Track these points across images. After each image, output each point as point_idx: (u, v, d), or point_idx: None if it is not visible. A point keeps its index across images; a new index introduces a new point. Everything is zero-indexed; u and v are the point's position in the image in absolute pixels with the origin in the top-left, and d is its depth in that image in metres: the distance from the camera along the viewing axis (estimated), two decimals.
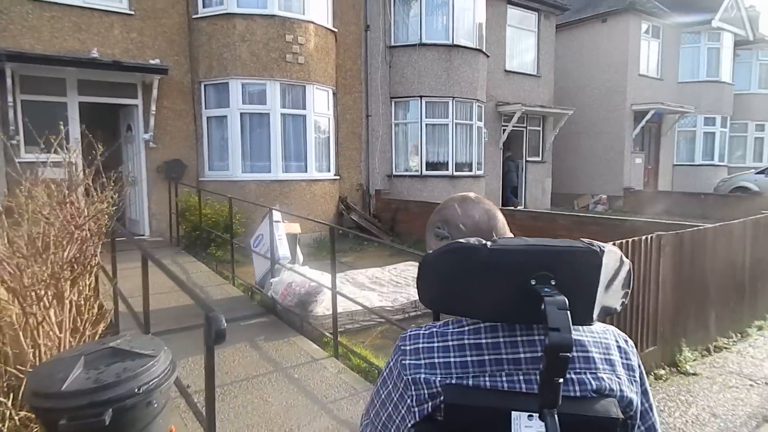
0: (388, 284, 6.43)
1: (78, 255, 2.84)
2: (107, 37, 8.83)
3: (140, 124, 9.35)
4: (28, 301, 2.47)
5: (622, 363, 0.94)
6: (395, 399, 0.94)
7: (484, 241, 0.86)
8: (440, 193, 11.90)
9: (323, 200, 10.58)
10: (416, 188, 12.15)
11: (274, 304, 5.36)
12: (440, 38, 12.16)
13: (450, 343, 0.92)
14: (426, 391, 0.89)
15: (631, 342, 0.99)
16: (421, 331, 0.97)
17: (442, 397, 0.88)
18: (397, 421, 0.93)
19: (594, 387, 0.88)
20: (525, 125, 15.24)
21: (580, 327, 0.92)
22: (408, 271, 7.23)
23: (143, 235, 9.59)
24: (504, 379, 0.88)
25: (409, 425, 0.91)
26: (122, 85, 9.11)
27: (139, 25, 9.12)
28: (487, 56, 13.15)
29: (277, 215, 5.59)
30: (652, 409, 0.98)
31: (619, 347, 0.96)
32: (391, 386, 0.95)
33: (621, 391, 0.90)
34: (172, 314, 5.42)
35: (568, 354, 0.76)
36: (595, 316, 0.89)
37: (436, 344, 0.93)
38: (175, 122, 9.63)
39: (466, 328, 0.93)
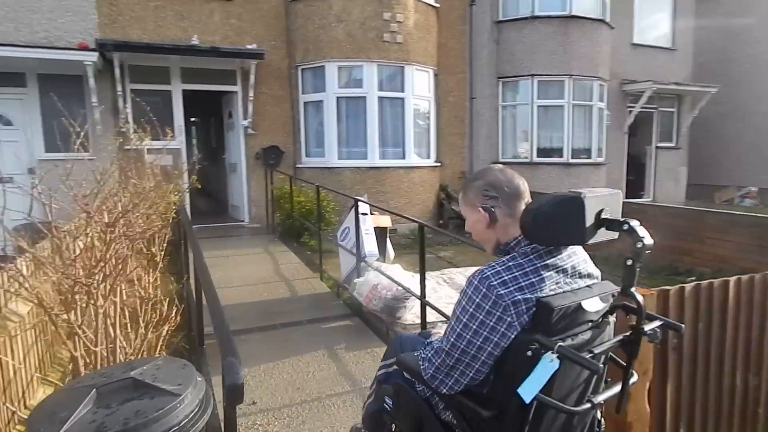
0: None
1: (115, 254, 2.43)
2: (208, 24, 8.83)
3: (239, 111, 9.31)
4: (54, 310, 2.09)
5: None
6: (492, 323, 1.27)
7: (581, 193, 1.29)
8: (553, 182, 10.65)
9: (422, 189, 9.89)
10: (525, 177, 10.89)
11: (360, 305, 4.79)
12: (555, 9, 10.80)
13: (527, 269, 1.30)
14: (524, 306, 1.26)
15: None
16: (498, 268, 1.30)
17: (535, 308, 1.26)
18: (496, 339, 1.27)
19: (598, 274, 1.48)
20: (655, 106, 13.27)
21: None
22: None
23: (243, 221, 9.62)
24: (563, 282, 1.33)
25: (512, 337, 1.26)
26: (222, 72, 9.10)
27: (238, 11, 9.01)
28: (612, 28, 11.50)
29: (364, 207, 4.99)
30: None
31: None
32: (482, 316, 1.27)
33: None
34: (256, 309, 5.08)
35: (650, 250, 1.25)
36: None
37: (517, 273, 1.29)
38: (273, 108, 9.46)
39: (531, 256, 1.34)
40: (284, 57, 9.44)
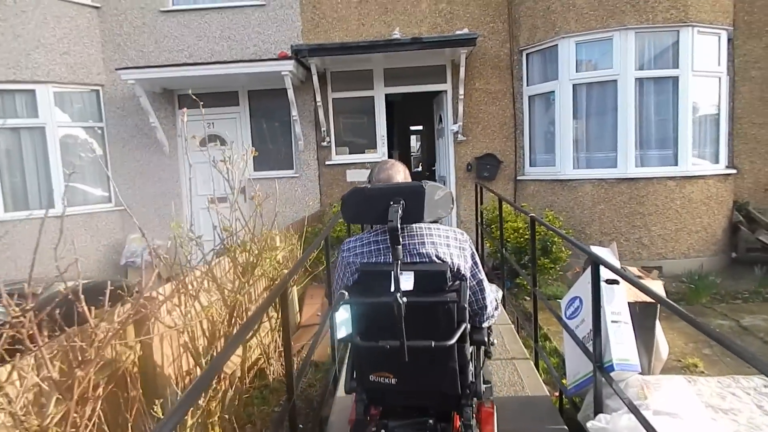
0: None
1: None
2: (413, 14, 7.51)
3: (449, 113, 7.75)
4: None
5: (456, 246, 1.83)
6: (340, 275, 1.90)
7: (367, 185, 1.87)
8: None
9: (704, 208, 6.74)
10: None
11: None
12: None
13: (363, 241, 1.87)
14: (354, 267, 1.84)
15: (466, 236, 1.92)
16: (352, 238, 1.91)
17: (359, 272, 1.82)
18: (342, 285, 1.87)
19: (435, 254, 1.77)
20: None
21: (422, 224, 1.81)
22: None
23: None
24: (388, 257, 1.77)
25: (348, 286, 1.84)
26: (430, 69, 7.67)
27: None
28: None
29: (607, 270, 2.68)
30: (480, 272, 1.91)
31: (455, 238, 1.86)
32: (339, 270, 1.90)
33: (451, 258, 1.79)
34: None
35: (397, 233, 1.61)
36: (425, 217, 1.70)
37: (357, 243, 1.88)
38: (488, 107, 7.62)
39: (372, 233, 1.87)
40: (504, 41, 7.51)
